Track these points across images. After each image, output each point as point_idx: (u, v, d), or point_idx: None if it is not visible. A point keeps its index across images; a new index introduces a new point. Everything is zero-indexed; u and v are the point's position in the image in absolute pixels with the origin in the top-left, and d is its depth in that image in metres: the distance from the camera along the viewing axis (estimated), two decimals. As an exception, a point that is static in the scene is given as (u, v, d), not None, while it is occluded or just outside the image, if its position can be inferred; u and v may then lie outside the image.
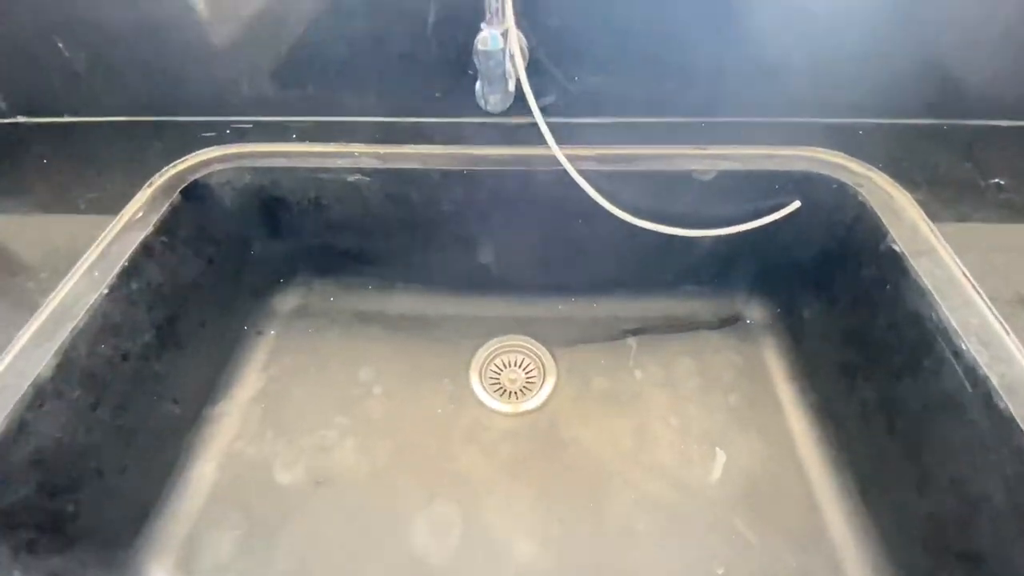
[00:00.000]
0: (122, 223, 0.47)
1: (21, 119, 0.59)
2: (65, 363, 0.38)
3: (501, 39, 0.42)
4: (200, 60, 0.52)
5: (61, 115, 0.59)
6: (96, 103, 0.57)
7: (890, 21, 0.48)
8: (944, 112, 0.55)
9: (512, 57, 0.44)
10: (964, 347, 0.36)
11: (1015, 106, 0.54)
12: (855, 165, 0.51)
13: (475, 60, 0.44)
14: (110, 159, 0.54)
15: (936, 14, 0.47)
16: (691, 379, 0.59)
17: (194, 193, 0.51)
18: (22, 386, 0.35)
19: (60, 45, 0.52)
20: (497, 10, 0.41)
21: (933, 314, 0.39)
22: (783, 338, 0.60)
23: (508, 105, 0.48)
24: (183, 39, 0.51)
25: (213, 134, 0.55)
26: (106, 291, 0.41)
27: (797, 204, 0.52)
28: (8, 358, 0.37)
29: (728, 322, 0.64)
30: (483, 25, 0.42)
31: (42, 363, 0.36)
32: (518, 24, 0.44)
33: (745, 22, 0.48)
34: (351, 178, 0.54)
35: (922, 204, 0.46)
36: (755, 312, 0.63)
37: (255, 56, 0.52)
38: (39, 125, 0.59)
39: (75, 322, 0.39)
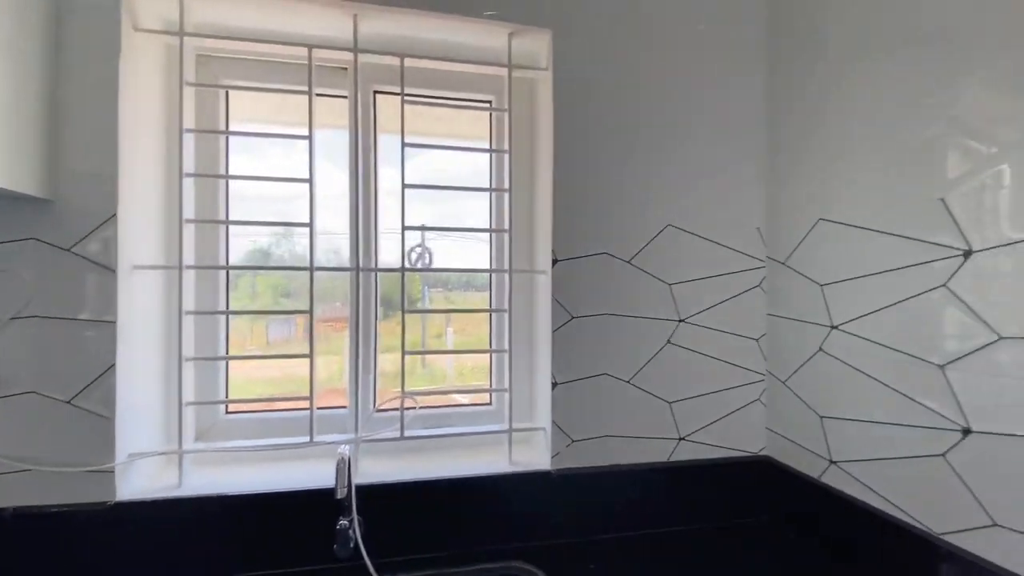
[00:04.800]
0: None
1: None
2: None
3: (347, 524, 0.93)
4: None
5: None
6: None
7: (530, 498, 1.09)
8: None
9: (355, 532, 0.94)
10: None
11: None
12: None
13: (336, 533, 0.93)
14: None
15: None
16: None
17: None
18: None
19: None
20: (347, 508, 0.94)
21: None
22: None
23: (350, 555, 0.93)
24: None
25: None
26: None
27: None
28: None
29: None
30: (340, 518, 0.94)
31: None
32: (359, 512, 0.96)
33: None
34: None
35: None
36: None
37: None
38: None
39: None
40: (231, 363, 1.19)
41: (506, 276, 1.18)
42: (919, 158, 0.85)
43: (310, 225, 1.04)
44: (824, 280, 1.04)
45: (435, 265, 1.25)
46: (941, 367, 0.81)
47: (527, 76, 1.21)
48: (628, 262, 1.15)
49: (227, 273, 1.17)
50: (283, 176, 1.05)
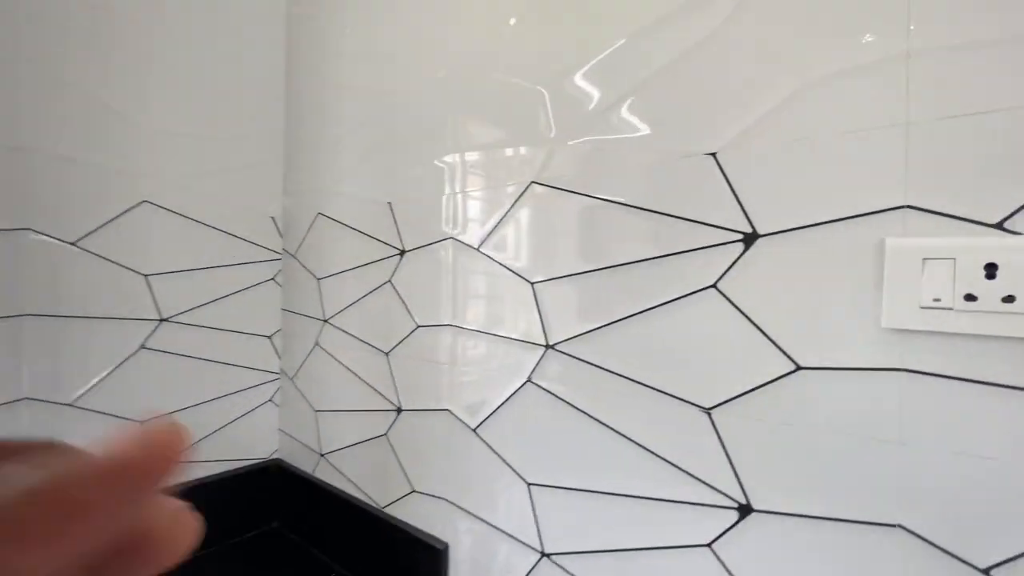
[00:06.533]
0: None
1: None
2: None
3: None
4: None
5: None
6: None
7: None
8: None
9: None
10: None
11: None
12: None
13: None
14: None
15: None
16: None
17: None
18: None
19: None
20: None
21: None
22: None
23: None
24: None
25: None
26: None
27: None
28: None
29: None
30: None
31: None
32: None
33: None
34: None
35: None
36: None
37: None
38: None
39: None
40: None
41: None
42: (367, 165, 0.91)
43: None
44: (320, 274, 1.03)
45: None
46: (386, 354, 0.89)
47: None
48: (73, 244, 0.86)
49: None
50: None
